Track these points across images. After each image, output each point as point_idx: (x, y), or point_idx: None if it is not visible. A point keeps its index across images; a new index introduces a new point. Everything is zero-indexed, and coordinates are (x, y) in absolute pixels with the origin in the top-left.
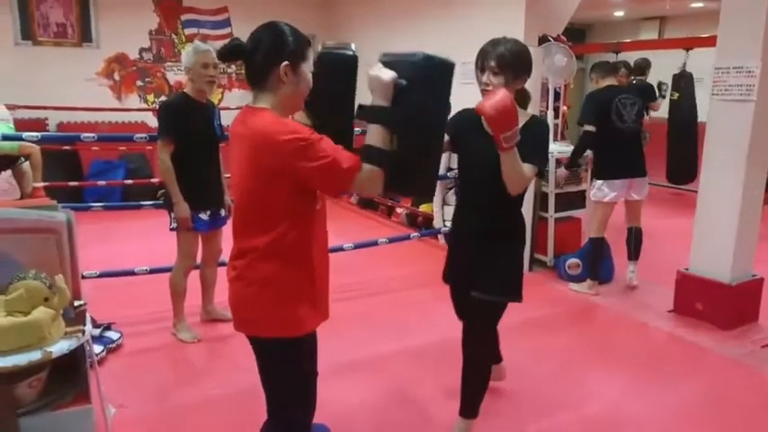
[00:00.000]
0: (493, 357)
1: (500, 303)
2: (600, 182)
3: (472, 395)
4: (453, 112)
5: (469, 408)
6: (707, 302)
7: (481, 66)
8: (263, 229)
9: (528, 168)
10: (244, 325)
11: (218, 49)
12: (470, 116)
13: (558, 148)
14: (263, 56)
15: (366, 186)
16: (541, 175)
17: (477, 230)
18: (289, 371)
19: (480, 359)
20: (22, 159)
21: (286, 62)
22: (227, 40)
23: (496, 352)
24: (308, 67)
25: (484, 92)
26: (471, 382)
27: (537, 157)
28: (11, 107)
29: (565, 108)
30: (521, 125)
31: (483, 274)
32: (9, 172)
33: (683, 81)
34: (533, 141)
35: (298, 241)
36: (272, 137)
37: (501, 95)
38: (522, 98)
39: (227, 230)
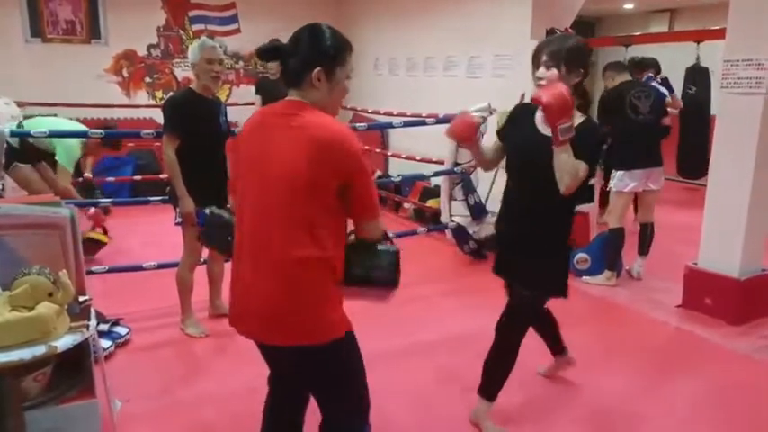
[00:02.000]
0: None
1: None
2: (620, 173)
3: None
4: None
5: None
6: (716, 297)
7: (536, 61)
8: (329, 230)
9: (581, 166)
10: (311, 336)
11: (257, 49)
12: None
13: None
14: (298, 58)
15: (370, 231)
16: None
17: None
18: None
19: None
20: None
21: (319, 68)
22: (234, 36)
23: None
24: (344, 73)
25: (538, 86)
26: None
27: (588, 157)
28: (21, 104)
29: None
30: (576, 124)
31: None
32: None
33: (696, 74)
34: (585, 141)
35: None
36: (347, 141)
37: (558, 85)
38: (586, 101)
39: None
